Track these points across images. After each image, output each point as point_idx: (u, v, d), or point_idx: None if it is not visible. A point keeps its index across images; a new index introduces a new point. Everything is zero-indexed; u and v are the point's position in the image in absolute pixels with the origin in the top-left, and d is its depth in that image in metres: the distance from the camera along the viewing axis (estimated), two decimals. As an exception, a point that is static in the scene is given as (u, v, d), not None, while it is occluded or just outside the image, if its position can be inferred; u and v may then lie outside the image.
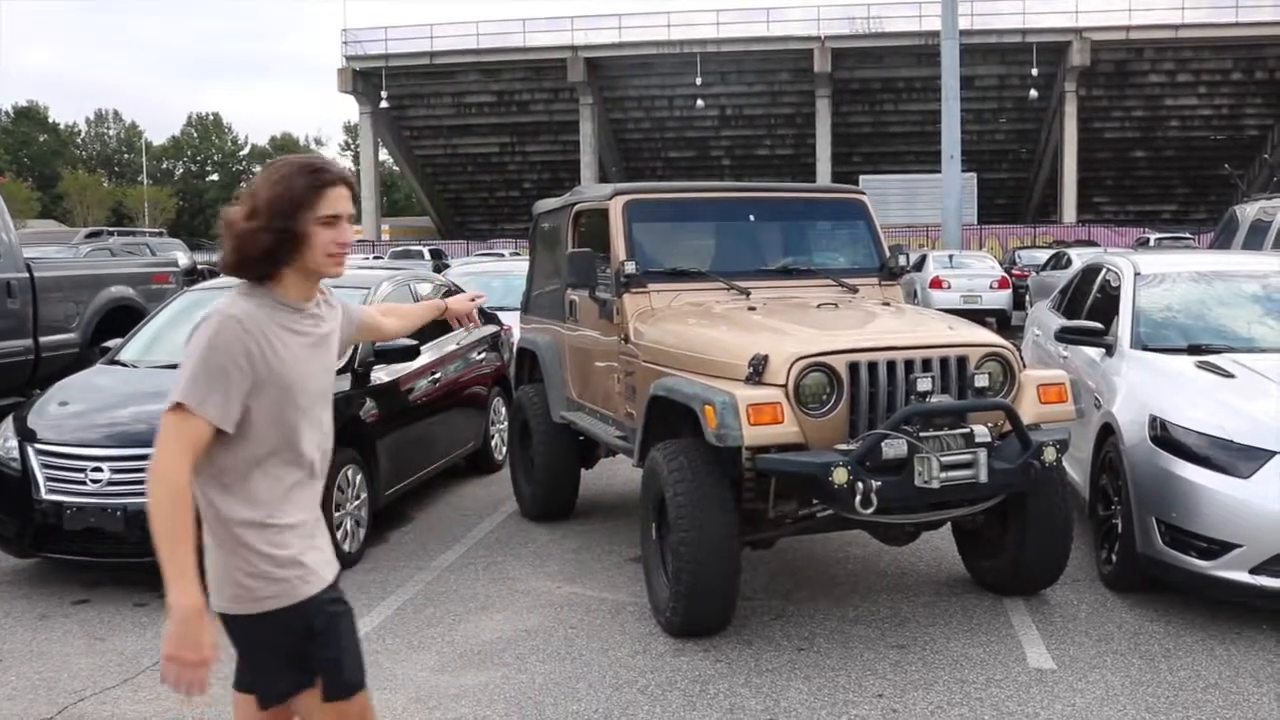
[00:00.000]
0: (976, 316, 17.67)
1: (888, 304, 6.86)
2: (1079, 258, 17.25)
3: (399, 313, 3.69)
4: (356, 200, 2.86)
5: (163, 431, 2.65)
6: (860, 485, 5.05)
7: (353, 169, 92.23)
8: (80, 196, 75.95)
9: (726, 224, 7.19)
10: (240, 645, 2.86)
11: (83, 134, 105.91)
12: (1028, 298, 23.25)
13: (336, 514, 6.88)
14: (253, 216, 2.73)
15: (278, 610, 2.78)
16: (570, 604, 6.24)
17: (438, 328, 9.20)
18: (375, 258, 36.86)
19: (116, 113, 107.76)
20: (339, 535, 6.90)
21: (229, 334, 2.68)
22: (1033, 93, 50.17)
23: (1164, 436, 5.91)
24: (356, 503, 7.16)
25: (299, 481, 2.85)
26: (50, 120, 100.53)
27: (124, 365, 7.84)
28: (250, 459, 2.76)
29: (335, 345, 3.00)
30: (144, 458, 6.38)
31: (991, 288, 23.35)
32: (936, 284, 23.08)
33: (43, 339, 10.70)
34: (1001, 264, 27.09)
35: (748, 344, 5.57)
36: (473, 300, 3.99)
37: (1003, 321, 22.46)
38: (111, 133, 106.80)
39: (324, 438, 2.94)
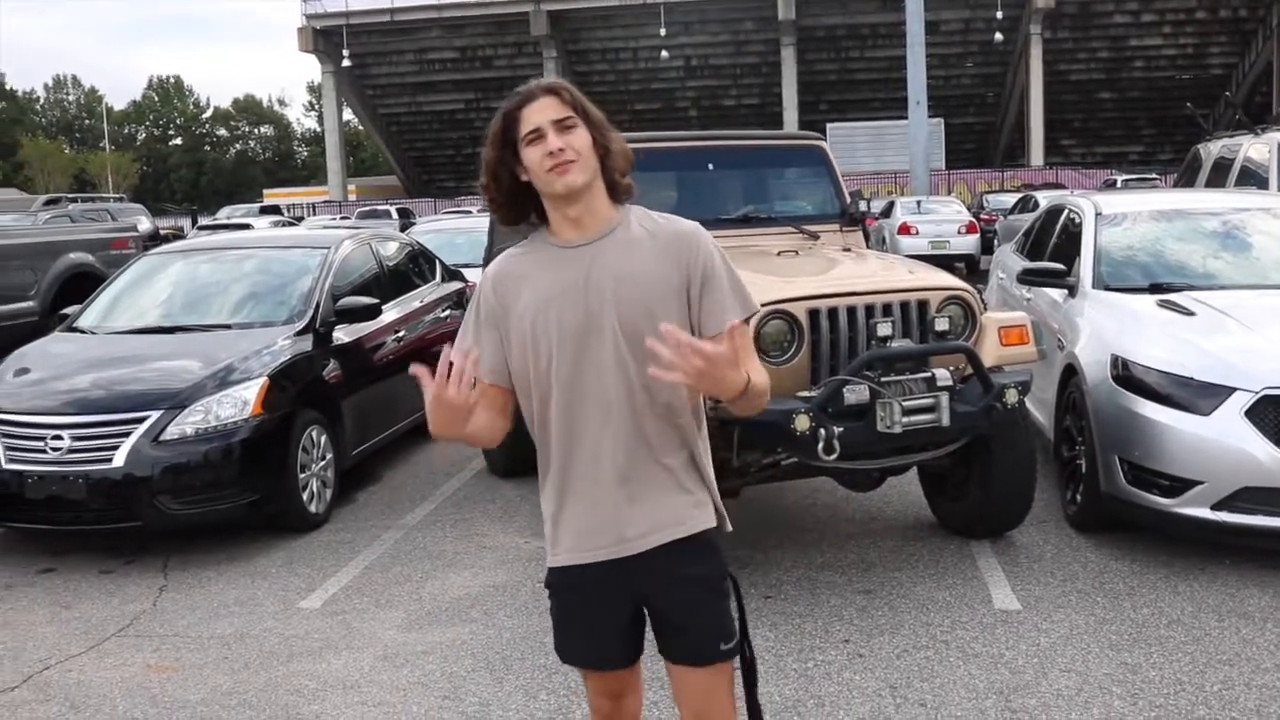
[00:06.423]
0: (945, 262, 17.71)
1: (849, 250, 6.83)
2: (1046, 201, 17.26)
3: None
4: (579, 107, 2.59)
5: None
6: (823, 432, 5.05)
7: (317, 130, 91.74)
8: (41, 164, 75.04)
9: (686, 174, 7.14)
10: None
11: (42, 101, 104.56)
12: (996, 242, 23.27)
13: (302, 475, 6.86)
14: (485, 164, 2.69)
15: None
16: (537, 559, 6.23)
17: (400, 285, 9.16)
18: (341, 218, 36.60)
19: (75, 78, 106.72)
20: (305, 496, 6.88)
21: (477, 291, 2.77)
22: (998, 36, 50.04)
23: (1126, 375, 5.93)
24: (322, 463, 7.13)
25: (550, 431, 2.67)
26: (8, 87, 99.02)
27: (82, 332, 7.76)
28: (528, 411, 2.70)
29: (635, 268, 2.62)
30: (103, 424, 6.36)
31: (959, 233, 23.40)
32: (905, 230, 23.10)
33: (0, 308, 10.58)
34: (969, 209, 27.12)
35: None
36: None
37: (971, 266, 22.51)
38: (71, 98, 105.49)
39: (619, 375, 2.60)
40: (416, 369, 2.49)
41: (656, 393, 2.60)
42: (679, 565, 2.66)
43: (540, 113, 2.57)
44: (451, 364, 2.44)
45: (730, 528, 2.79)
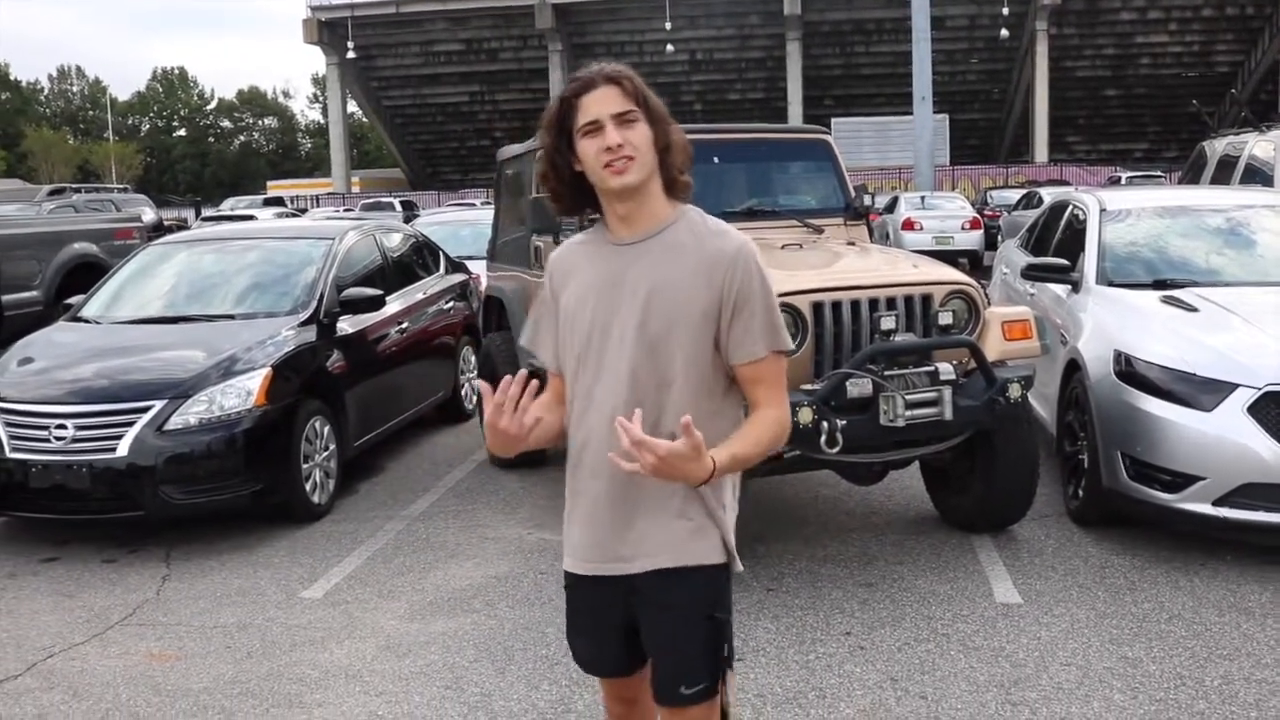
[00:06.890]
0: (949, 257, 17.70)
1: (853, 244, 6.83)
2: (1050, 197, 17.25)
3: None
4: (641, 98, 2.45)
5: None
6: (825, 425, 5.05)
7: (321, 122, 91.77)
8: (45, 155, 75.01)
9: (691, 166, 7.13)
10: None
11: (46, 91, 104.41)
12: (1000, 238, 23.25)
13: (305, 465, 6.86)
14: (544, 151, 2.55)
15: None
16: (540, 550, 6.24)
17: (404, 277, 9.17)
18: (345, 210, 36.57)
19: (79, 69, 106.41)
20: (308, 486, 6.89)
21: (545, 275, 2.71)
22: (1004, 32, 49.93)
23: (1129, 371, 5.93)
24: (325, 454, 7.13)
25: (571, 431, 2.61)
26: (12, 78, 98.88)
27: (86, 322, 7.77)
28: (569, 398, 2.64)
29: (680, 285, 2.47)
30: (107, 414, 6.37)
31: (963, 228, 23.37)
32: (909, 225, 23.07)
33: (5, 297, 10.60)
34: (973, 204, 27.09)
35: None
36: None
37: (975, 262, 22.48)
38: (75, 89, 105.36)
39: (630, 384, 2.49)
40: (481, 384, 2.54)
41: (663, 412, 2.47)
42: (660, 593, 2.54)
43: (600, 103, 2.43)
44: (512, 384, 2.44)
45: (740, 567, 2.65)
